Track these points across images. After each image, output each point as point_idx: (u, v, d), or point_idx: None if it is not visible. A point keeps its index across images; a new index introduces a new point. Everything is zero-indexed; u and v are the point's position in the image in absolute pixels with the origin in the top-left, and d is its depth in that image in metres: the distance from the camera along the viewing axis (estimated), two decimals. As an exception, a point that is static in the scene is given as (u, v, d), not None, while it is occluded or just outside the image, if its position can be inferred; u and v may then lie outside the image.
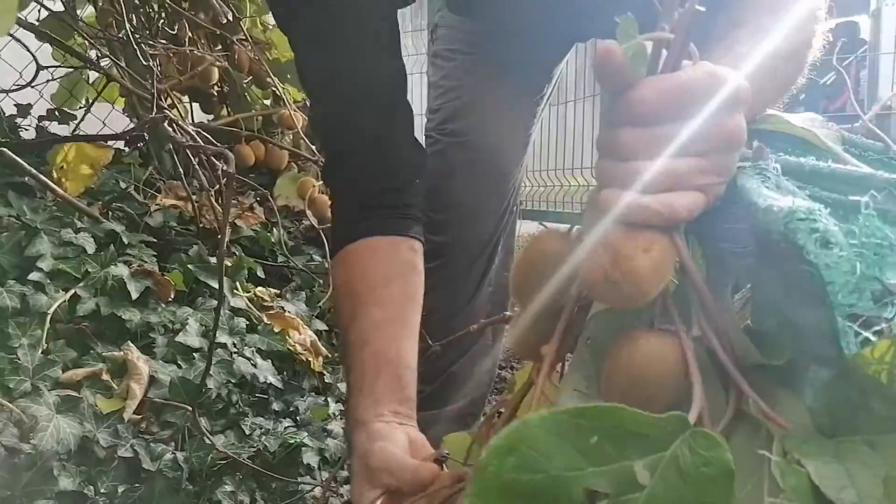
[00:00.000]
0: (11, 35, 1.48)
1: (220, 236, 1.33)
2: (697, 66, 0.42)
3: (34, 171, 1.43)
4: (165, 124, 1.46)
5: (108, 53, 1.77)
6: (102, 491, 0.96)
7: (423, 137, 1.17)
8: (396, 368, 0.77)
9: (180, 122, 1.67)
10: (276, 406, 1.31)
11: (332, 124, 0.90)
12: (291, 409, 1.32)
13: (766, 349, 0.42)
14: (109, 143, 1.71)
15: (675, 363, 0.41)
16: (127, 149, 1.91)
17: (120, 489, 0.98)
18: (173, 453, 1.07)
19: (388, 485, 0.65)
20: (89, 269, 1.34)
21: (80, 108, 1.91)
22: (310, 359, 1.51)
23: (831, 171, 0.46)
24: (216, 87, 2.06)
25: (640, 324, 0.44)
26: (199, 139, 1.52)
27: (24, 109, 1.74)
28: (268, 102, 2.12)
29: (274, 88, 2.02)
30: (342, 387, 1.51)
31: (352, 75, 0.84)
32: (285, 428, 1.24)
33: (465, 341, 1.21)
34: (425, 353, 1.05)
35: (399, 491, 0.64)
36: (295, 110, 1.94)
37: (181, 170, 1.74)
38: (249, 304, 1.56)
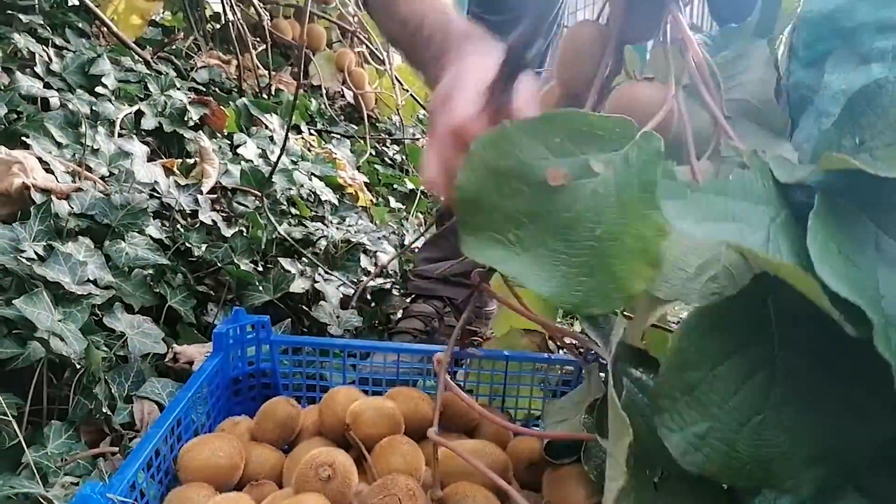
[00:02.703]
0: None
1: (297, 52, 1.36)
2: None
3: (93, 6, 1.48)
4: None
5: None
6: (188, 244, 1.02)
7: None
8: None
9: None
10: (333, 219, 1.36)
11: None
12: (346, 225, 1.38)
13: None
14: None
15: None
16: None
17: (203, 246, 1.04)
18: (245, 228, 1.13)
19: None
20: (151, 90, 1.39)
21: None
22: (359, 193, 1.57)
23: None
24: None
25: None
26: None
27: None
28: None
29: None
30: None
31: None
32: (344, 233, 1.29)
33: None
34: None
35: None
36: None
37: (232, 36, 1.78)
38: (299, 146, 1.61)
